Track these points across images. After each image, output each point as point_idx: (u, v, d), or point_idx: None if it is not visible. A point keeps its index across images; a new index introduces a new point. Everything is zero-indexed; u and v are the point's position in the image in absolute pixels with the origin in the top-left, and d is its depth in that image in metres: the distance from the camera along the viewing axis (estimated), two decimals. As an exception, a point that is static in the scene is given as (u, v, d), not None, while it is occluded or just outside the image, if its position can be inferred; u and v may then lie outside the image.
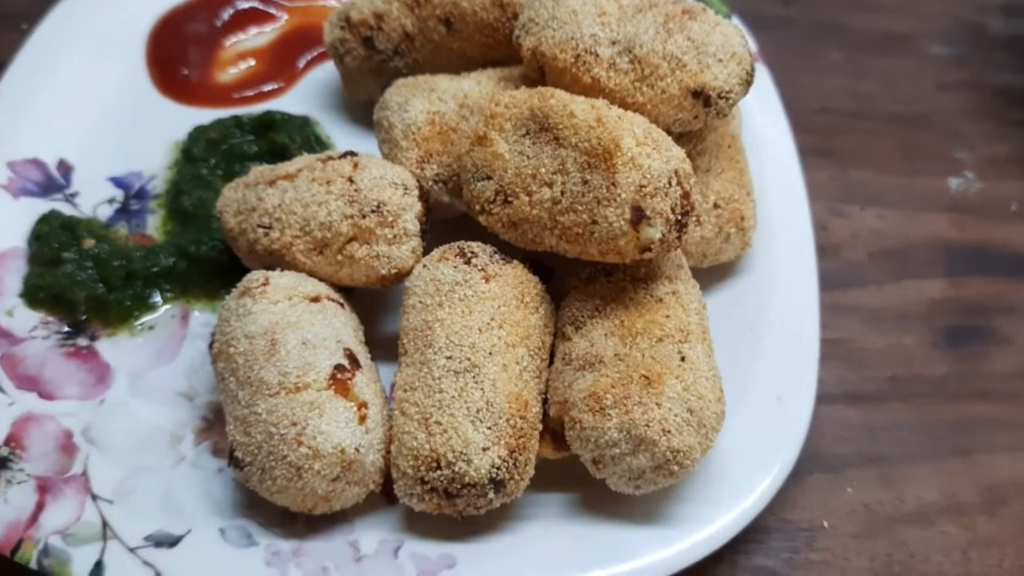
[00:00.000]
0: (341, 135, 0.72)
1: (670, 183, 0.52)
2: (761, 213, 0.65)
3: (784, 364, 0.60)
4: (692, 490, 0.55)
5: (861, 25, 0.90)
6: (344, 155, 0.58)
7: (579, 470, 0.54)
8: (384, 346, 0.61)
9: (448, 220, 0.62)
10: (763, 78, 0.73)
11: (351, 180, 0.56)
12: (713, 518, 0.54)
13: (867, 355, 0.67)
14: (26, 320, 0.62)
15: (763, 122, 0.71)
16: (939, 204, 0.77)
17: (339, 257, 0.56)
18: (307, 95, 0.75)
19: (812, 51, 0.87)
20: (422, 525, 0.54)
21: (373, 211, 0.56)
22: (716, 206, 0.61)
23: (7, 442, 0.56)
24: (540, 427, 0.54)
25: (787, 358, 0.60)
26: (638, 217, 0.51)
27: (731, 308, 0.63)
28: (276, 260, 0.57)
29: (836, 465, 0.62)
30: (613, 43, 0.57)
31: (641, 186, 0.51)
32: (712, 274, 0.64)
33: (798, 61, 0.85)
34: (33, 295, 0.62)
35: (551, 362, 0.57)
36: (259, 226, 0.57)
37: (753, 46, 0.75)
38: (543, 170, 0.54)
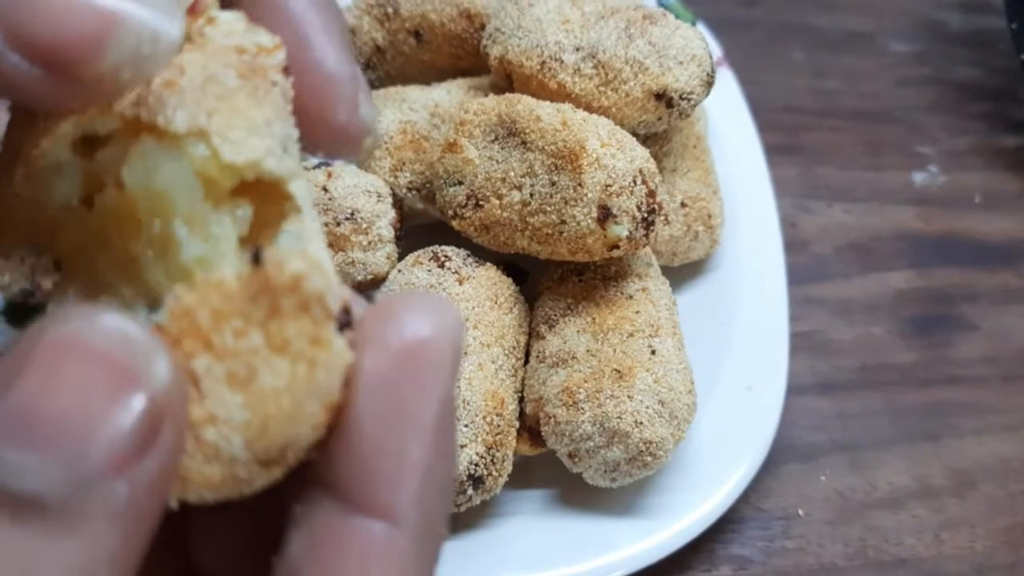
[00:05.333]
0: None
1: (635, 182, 0.53)
2: (729, 211, 0.67)
3: (754, 356, 0.61)
4: (668, 482, 0.57)
5: (823, 25, 0.92)
6: (318, 166, 0.60)
7: (556, 467, 0.55)
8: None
9: (423, 226, 0.64)
10: (728, 80, 0.75)
11: (325, 189, 0.58)
12: (690, 508, 0.56)
13: (836, 346, 0.69)
14: (9, 339, 0.62)
15: (729, 123, 0.72)
16: (904, 198, 0.79)
17: (316, 265, 0.57)
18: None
19: (776, 51, 0.89)
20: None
21: (347, 218, 0.57)
22: (684, 205, 0.63)
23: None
24: (517, 424, 0.55)
25: (757, 350, 0.62)
26: (605, 215, 0.52)
27: (703, 304, 0.64)
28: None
29: (809, 454, 0.63)
30: (577, 49, 0.59)
31: (607, 185, 0.52)
32: (684, 272, 0.65)
33: (763, 62, 0.86)
34: (13, 312, 0.63)
35: (527, 361, 0.58)
36: (237, 237, 0.58)
37: (718, 49, 0.77)
38: (512, 174, 0.55)
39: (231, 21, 0.26)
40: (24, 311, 0.63)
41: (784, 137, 0.80)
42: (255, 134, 0.25)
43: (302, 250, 0.23)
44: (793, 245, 0.71)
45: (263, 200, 0.26)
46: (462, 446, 0.51)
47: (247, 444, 0.22)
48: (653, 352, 0.53)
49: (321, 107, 0.29)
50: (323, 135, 0.29)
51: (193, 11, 0.26)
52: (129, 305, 0.25)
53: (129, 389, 0.20)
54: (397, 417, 0.23)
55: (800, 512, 0.61)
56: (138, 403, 0.20)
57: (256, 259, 0.22)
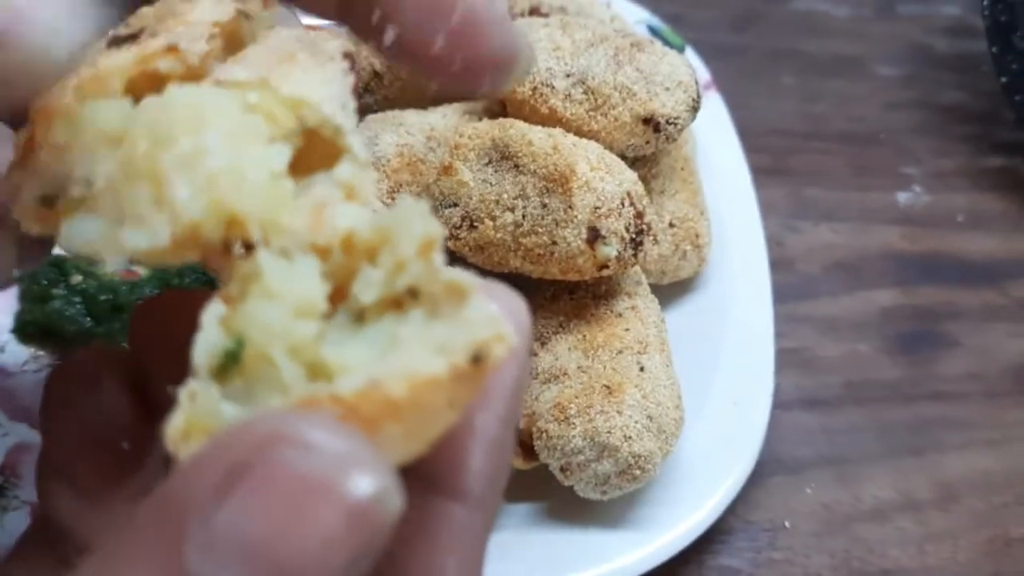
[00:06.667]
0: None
1: (623, 204, 0.55)
2: (717, 231, 0.69)
3: (741, 371, 0.63)
4: (657, 495, 0.58)
5: (813, 50, 0.95)
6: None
7: (548, 480, 0.57)
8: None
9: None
10: (716, 104, 0.77)
11: (325, 211, 0.60)
12: (678, 520, 0.57)
13: (823, 362, 0.70)
14: (18, 355, 0.64)
15: (717, 146, 0.74)
16: (889, 217, 0.81)
17: (315, 284, 0.59)
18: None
19: (766, 76, 0.91)
20: (401, 537, 0.56)
21: (346, 240, 0.59)
22: (672, 225, 0.65)
23: (1, 471, 0.58)
24: (510, 439, 0.57)
25: (744, 366, 0.63)
26: (594, 236, 0.54)
27: (691, 321, 0.66)
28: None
29: (796, 467, 0.65)
30: (568, 75, 0.61)
31: (596, 207, 0.54)
32: (673, 290, 0.67)
33: (753, 86, 0.89)
34: (24, 331, 0.65)
35: (519, 377, 0.60)
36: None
37: (707, 74, 0.79)
38: (505, 196, 0.57)
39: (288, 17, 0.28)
40: (35, 331, 0.65)
41: (773, 159, 0.82)
42: (314, 83, 0.26)
43: (498, 330, 0.23)
44: (781, 264, 0.73)
45: (318, 153, 0.26)
46: (456, 459, 0.53)
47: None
48: (642, 369, 0.55)
49: (475, 34, 0.28)
50: (481, 62, 0.28)
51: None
52: (154, 233, 0.24)
53: (363, 530, 0.20)
54: (479, 411, 0.25)
55: (787, 524, 0.62)
56: (367, 539, 0.20)
57: (478, 360, 0.22)
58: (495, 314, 0.23)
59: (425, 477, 0.25)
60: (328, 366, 0.23)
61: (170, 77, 0.26)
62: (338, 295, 0.24)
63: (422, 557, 0.25)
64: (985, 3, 0.83)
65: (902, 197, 0.82)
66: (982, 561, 0.62)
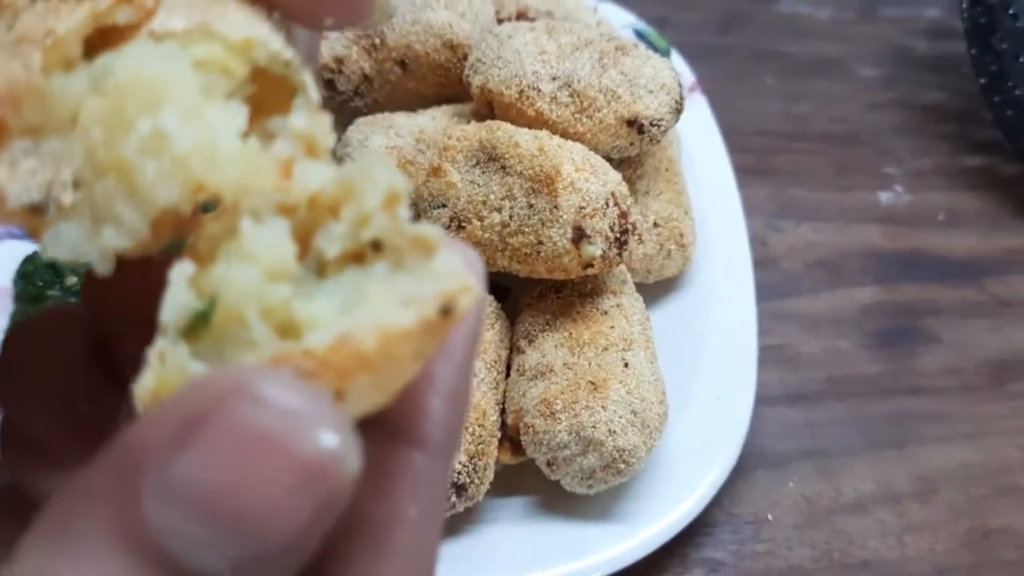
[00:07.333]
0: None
1: (607, 204, 0.56)
2: (701, 231, 0.70)
3: (724, 368, 0.64)
4: (643, 488, 0.60)
5: (795, 51, 0.96)
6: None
7: (536, 475, 0.58)
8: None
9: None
10: (700, 105, 0.78)
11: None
12: (663, 513, 0.59)
13: (805, 358, 0.72)
14: (13, 355, 0.65)
15: (701, 146, 0.76)
16: (870, 216, 0.82)
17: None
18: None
19: (749, 77, 0.93)
20: (392, 531, 0.58)
21: (337, 240, 0.60)
22: (656, 225, 0.66)
23: (-2, 469, 0.59)
24: (499, 435, 0.58)
25: (727, 362, 0.65)
26: (579, 236, 0.56)
27: (676, 319, 0.67)
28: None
29: (778, 461, 0.66)
30: (554, 79, 0.62)
31: (581, 208, 0.56)
32: (658, 289, 0.69)
33: (736, 87, 0.90)
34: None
35: (507, 374, 0.61)
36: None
37: (691, 76, 0.81)
38: (492, 197, 0.59)
39: None
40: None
41: (756, 159, 0.83)
42: (253, 20, 0.25)
43: (465, 282, 0.23)
44: (764, 262, 0.74)
45: (269, 95, 0.25)
46: (445, 455, 0.54)
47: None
48: (626, 365, 0.57)
49: None
50: None
51: None
52: (133, 227, 0.23)
53: (318, 485, 0.19)
54: (438, 361, 0.26)
55: (769, 517, 0.64)
56: (324, 495, 0.20)
57: (447, 311, 0.22)
58: (462, 266, 0.23)
59: (386, 426, 0.25)
60: (297, 323, 0.23)
61: (126, 28, 0.24)
62: (300, 249, 0.24)
63: (384, 504, 0.25)
64: (964, 5, 0.84)
65: (883, 196, 0.84)
66: (961, 552, 0.63)
